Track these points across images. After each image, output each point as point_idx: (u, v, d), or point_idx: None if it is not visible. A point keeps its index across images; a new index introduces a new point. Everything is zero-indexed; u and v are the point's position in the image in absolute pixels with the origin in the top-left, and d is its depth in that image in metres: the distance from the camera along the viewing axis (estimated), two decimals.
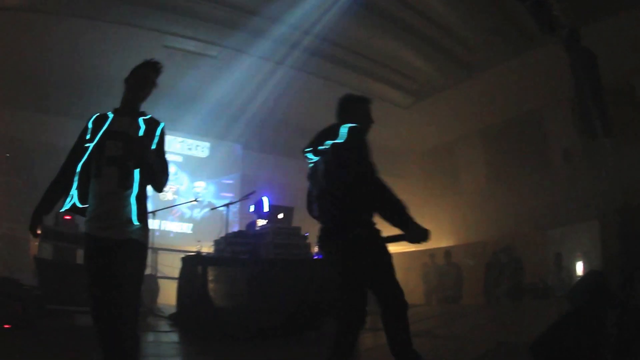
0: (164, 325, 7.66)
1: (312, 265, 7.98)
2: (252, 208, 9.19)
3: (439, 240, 14.33)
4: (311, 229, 8.96)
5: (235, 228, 11.59)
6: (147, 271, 8.13)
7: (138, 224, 3.20)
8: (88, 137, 3.29)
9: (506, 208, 13.83)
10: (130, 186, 3.22)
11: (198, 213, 14.28)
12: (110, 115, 3.38)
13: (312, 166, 3.68)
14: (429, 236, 3.30)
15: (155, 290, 9.20)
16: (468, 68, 14.07)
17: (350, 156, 3.38)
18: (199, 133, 14.67)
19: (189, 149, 14.74)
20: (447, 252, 13.48)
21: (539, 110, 13.99)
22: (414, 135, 16.25)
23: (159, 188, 3.40)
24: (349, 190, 3.34)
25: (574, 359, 3.79)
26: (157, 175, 3.35)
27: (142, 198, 3.30)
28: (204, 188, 14.61)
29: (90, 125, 3.34)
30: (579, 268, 12.03)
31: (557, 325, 4.03)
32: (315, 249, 9.31)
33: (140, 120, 3.39)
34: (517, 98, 13.71)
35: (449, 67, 14.03)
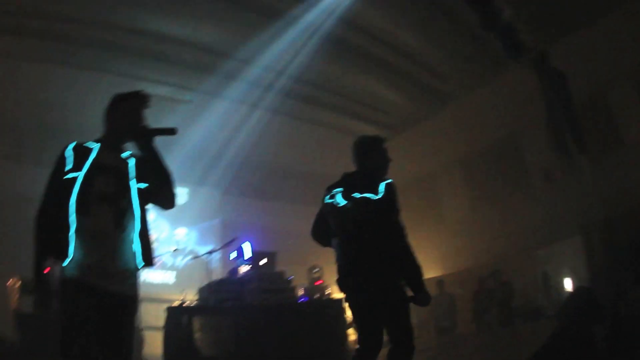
0: None
1: (299, 309, 8.04)
2: (233, 255, 9.17)
3: (427, 271, 14.26)
4: (295, 272, 8.89)
5: (219, 275, 11.48)
6: None
7: (142, 264, 2.92)
8: (69, 167, 2.87)
9: (492, 232, 13.86)
10: (126, 227, 2.89)
11: (181, 261, 14.06)
12: (94, 145, 3.02)
13: (333, 203, 3.85)
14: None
15: (140, 342, 8.98)
16: (442, 98, 14.28)
17: (388, 215, 3.76)
18: (177, 179, 14.47)
19: None
20: (439, 281, 13.29)
21: (517, 133, 14.15)
22: (392, 168, 16.28)
23: (170, 201, 3.13)
24: (383, 245, 3.67)
25: None
26: (166, 177, 3.08)
27: (146, 234, 2.99)
28: (185, 235, 14.43)
29: (68, 154, 2.92)
30: (568, 285, 12.06)
31: (546, 346, 4.16)
32: (301, 292, 9.24)
33: (127, 154, 3.11)
34: (494, 123, 13.84)
35: (424, 98, 14.21)
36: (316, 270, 10.23)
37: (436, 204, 15.95)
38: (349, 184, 3.85)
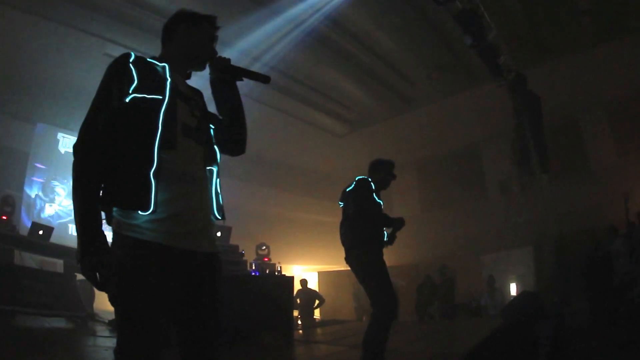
0: (103, 331, 7.64)
1: (250, 281, 8.43)
2: None
3: None
4: (246, 248, 9.29)
5: None
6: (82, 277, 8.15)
7: (220, 217, 2.27)
8: (134, 86, 2.00)
9: (440, 234, 14.55)
10: (210, 171, 2.24)
11: None
12: (161, 65, 2.20)
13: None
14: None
15: (91, 296, 9.09)
16: (408, 101, 14.63)
17: (351, 198, 4.86)
18: None
19: None
20: None
21: (477, 144, 14.85)
22: (347, 162, 16.43)
23: (241, 145, 2.46)
24: (349, 222, 4.78)
25: None
26: (243, 118, 2.44)
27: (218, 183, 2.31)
28: None
29: (133, 67, 2.05)
30: (513, 289, 12.77)
31: (489, 339, 4.46)
32: (252, 267, 9.72)
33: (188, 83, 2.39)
34: (455, 132, 14.43)
35: (388, 99, 14.57)
36: (264, 247, 10.81)
37: (386, 201, 16.36)
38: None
